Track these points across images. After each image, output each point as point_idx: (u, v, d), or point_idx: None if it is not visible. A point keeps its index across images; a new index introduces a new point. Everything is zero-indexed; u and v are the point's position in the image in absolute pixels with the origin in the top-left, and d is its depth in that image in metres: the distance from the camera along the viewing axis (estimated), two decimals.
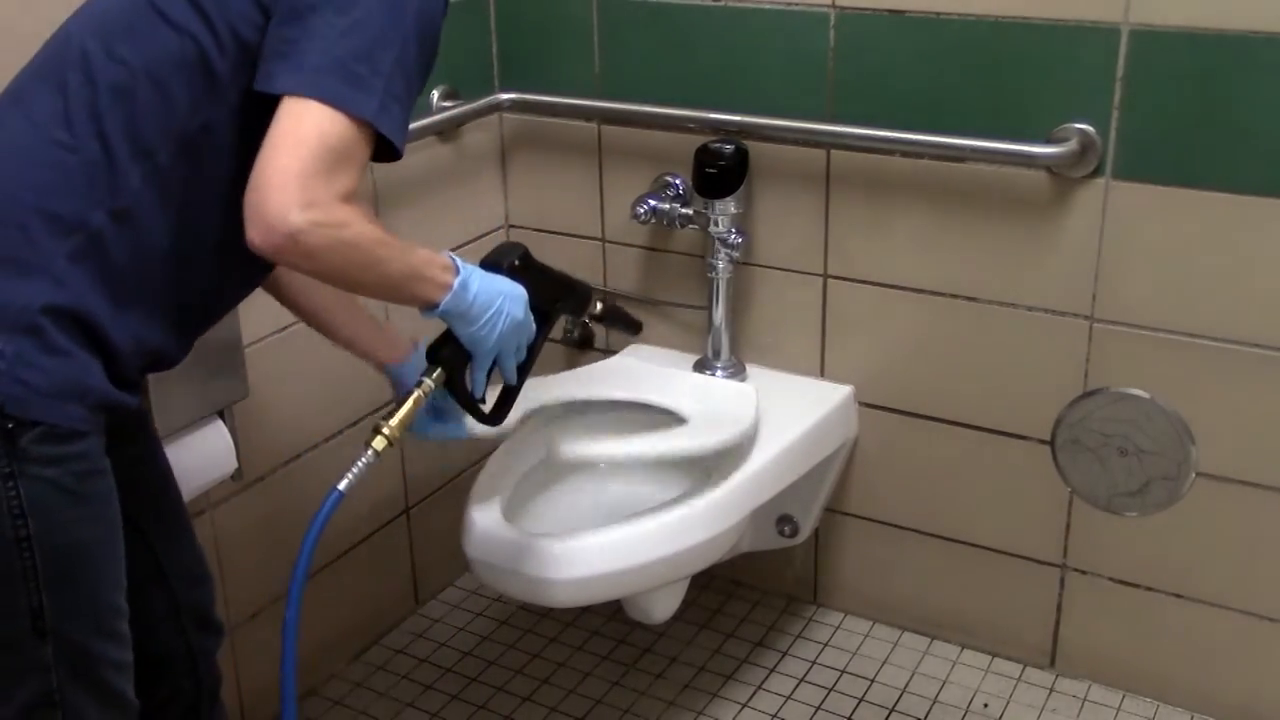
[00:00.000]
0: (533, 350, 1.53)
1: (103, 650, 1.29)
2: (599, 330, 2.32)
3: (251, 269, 1.35)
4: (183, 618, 1.52)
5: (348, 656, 2.28)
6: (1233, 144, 1.78)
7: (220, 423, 1.78)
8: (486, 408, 1.56)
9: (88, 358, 1.22)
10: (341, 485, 1.38)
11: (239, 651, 2.02)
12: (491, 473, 1.91)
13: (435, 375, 1.46)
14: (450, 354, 1.46)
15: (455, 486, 2.41)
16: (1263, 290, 1.83)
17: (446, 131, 2.22)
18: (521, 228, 2.40)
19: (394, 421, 1.42)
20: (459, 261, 1.39)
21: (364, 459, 1.39)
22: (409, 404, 1.43)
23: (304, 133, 1.17)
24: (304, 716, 2.15)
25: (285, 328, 1.99)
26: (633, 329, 1.96)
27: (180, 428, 1.68)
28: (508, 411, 1.59)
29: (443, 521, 2.38)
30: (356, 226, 1.22)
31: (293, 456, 2.07)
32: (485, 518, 1.80)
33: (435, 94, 2.20)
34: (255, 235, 1.17)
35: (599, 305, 1.78)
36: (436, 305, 1.36)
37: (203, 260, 1.29)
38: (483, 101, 2.27)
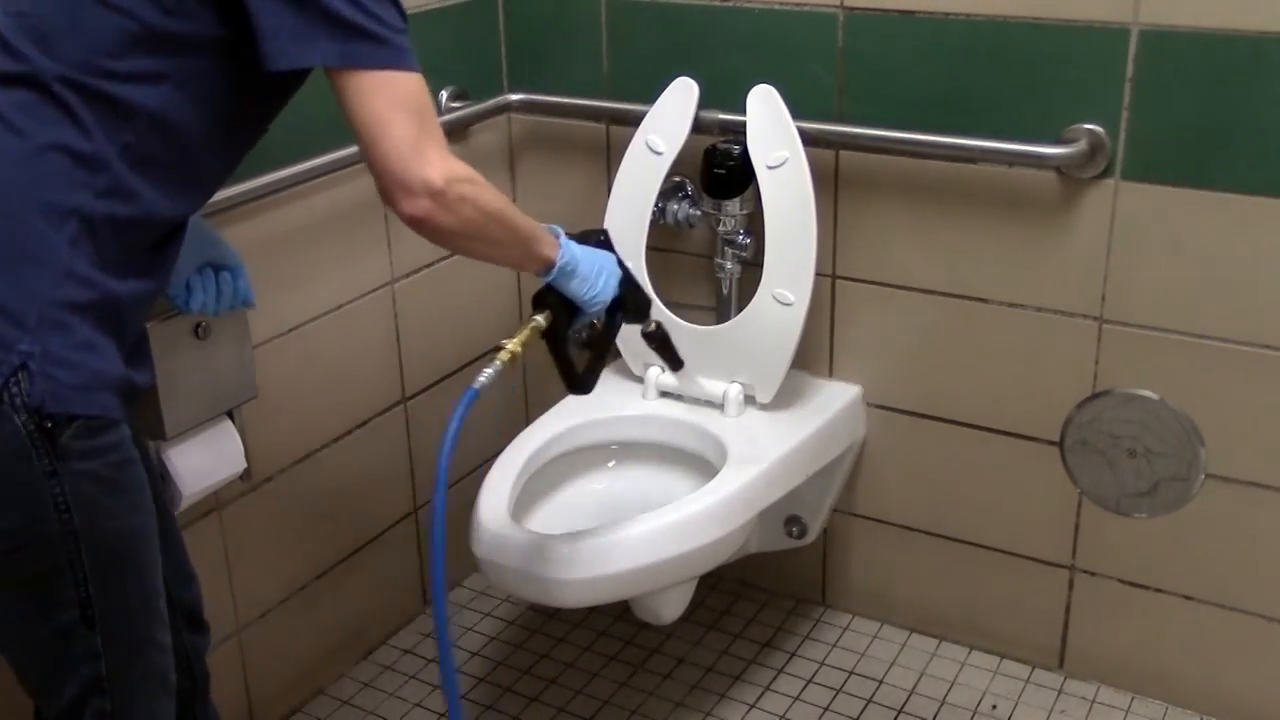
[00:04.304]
0: (612, 328, 1.65)
1: (147, 631, 1.33)
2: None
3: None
4: (177, 616, 1.54)
5: (356, 656, 2.28)
6: (1242, 144, 1.78)
7: (229, 423, 1.78)
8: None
9: (105, 343, 1.24)
10: (477, 383, 1.50)
11: (247, 653, 2.03)
12: (500, 472, 1.91)
13: (545, 315, 1.58)
14: (555, 300, 1.57)
15: (463, 486, 2.41)
16: (1273, 291, 1.82)
17: (455, 132, 2.22)
18: None
19: (516, 340, 1.56)
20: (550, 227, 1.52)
21: (493, 367, 1.52)
22: (527, 329, 1.57)
23: (384, 108, 1.24)
24: (312, 716, 2.15)
25: (294, 328, 1.99)
26: (674, 365, 1.94)
27: (189, 428, 1.69)
28: (596, 380, 1.69)
29: (451, 521, 2.37)
30: (480, 181, 1.32)
31: (302, 456, 2.07)
32: (493, 517, 1.80)
33: (444, 95, 2.20)
34: (405, 208, 1.26)
35: (654, 324, 1.83)
36: (554, 263, 1.50)
37: (186, 213, 1.34)
38: (491, 102, 2.27)
